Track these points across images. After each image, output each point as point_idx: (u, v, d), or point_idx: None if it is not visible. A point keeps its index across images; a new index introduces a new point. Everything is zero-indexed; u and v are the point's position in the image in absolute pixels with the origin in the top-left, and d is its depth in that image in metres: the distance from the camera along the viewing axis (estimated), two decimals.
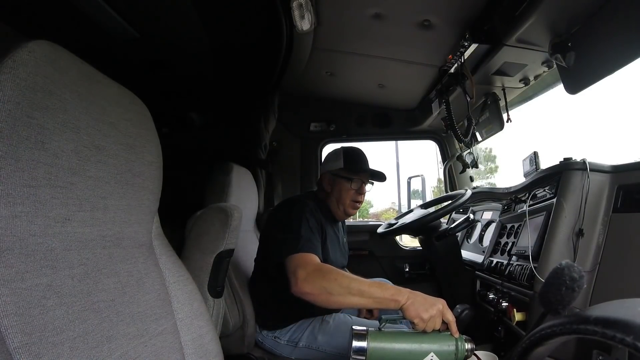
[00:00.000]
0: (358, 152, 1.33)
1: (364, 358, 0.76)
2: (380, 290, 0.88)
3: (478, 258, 1.51)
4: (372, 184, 1.36)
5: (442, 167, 2.18)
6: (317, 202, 1.30)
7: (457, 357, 0.78)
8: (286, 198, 1.35)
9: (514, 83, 1.41)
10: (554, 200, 1.03)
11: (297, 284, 0.91)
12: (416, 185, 2.25)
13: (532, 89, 1.48)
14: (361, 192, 1.31)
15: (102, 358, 0.42)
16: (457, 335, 0.80)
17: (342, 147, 1.34)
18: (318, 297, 0.91)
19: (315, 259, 0.99)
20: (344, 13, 1.18)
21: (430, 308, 0.81)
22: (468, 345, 0.79)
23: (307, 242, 1.03)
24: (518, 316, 1.03)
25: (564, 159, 1.06)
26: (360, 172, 1.29)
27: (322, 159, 2.17)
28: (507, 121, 1.48)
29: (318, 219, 1.17)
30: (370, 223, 2.20)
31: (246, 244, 1.42)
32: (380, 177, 1.34)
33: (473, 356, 0.81)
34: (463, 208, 1.82)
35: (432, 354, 0.78)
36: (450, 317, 0.81)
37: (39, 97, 0.38)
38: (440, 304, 0.82)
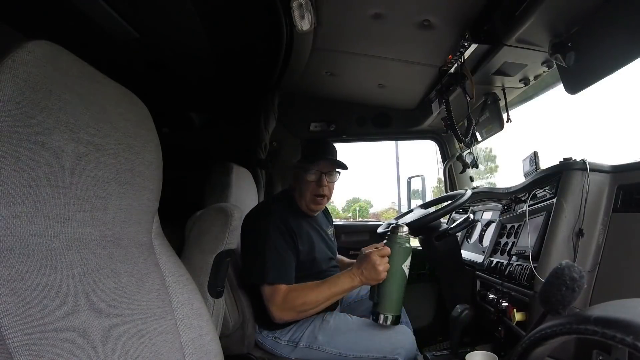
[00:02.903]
0: (317, 140, 1.28)
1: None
2: (340, 287, 1.06)
3: (478, 258, 1.51)
4: (339, 173, 1.27)
5: (442, 167, 2.18)
6: (290, 201, 1.27)
7: (409, 245, 1.07)
8: (258, 205, 1.29)
9: (514, 83, 1.41)
10: (554, 200, 1.03)
11: (275, 316, 1.07)
12: (416, 185, 2.25)
13: (532, 89, 1.48)
14: (321, 184, 1.21)
15: (102, 358, 0.42)
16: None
17: (305, 141, 1.33)
18: (297, 317, 1.09)
19: (282, 289, 1.08)
20: (344, 13, 1.18)
21: (374, 268, 1.02)
22: (403, 230, 1.07)
23: (273, 269, 1.09)
24: (518, 316, 1.03)
25: (564, 159, 1.06)
26: (318, 161, 1.21)
27: None
28: (507, 121, 1.48)
29: (287, 225, 1.16)
30: (370, 223, 2.20)
31: None
32: (340, 165, 1.25)
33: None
34: (463, 208, 1.82)
35: (404, 268, 1.06)
36: (384, 252, 1.03)
37: (39, 97, 0.38)
38: (372, 257, 1.02)
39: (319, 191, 1.23)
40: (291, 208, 1.26)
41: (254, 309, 1.20)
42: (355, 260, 1.38)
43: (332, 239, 1.42)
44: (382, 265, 1.02)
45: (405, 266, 1.06)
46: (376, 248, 1.06)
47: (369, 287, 1.11)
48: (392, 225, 1.11)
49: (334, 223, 1.54)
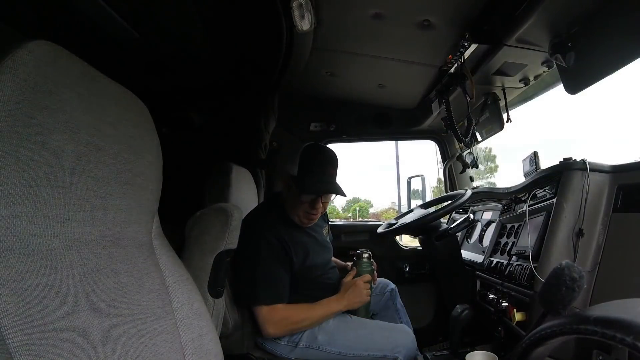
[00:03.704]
0: (318, 161, 1.17)
1: None
2: (330, 310, 1.16)
3: (478, 258, 1.51)
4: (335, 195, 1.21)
5: (442, 167, 2.18)
6: (281, 209, 1.22)
7: (372, 267, 1.28)
8: (248, 217, 1.21)
9: (514, 83, 1.41)
10: (554, 200, 1.03)
11: (270, 333, 1.11)
12: (416, 185, 2.25)
13: (532, 89, 1.48)
14: (315, 206, 1.16)
15: (102, 358, 0.42)
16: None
17: (304, 148, 1.19)
18: (288, 334, 1.15)
19: (279, 308, 1.11)
20: (344, 13, 1.18)
21: (361, 295, 1.19)
22: (365, 255, 1.27)
23: (267, 290, 1.10)
24: (518, 316, 1.03)
25: (564, 159, 1.07)
26: (302, 190, 1.14)
27: None
28: (507, 121, 1.48)
29: (279, 238, 1.13)
30: (370, 223, 2.20)
31: None
32: (339, 192, 1.18)
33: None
34: (463, 208, 1.82)
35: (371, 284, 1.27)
36: (366, 279, 1.22)
37: (39, 97, 0.38)
38: (359, 285, 1.19)
39: (312, 212, 1.17)
40: (283, 217, 1.21)
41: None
42: (348, 264, 1.41)
43: (328, 238, 1.40)
44: (366, 290, 1.21)
45: (373, 269, 1.32)
46: (352, 276, 1.24)
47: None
48: (357, 252, 1.30)
49: (333, 223, 1.52)
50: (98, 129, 0.45)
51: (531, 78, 1.36)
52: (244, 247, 1.10)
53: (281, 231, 1.16)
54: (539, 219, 1.09)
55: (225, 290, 1.01)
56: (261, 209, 1.30)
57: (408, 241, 2.17)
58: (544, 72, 1.31)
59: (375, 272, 1.31)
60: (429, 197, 2.03)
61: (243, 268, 1.13)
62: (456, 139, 1.62)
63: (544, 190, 1.14)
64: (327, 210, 1.39)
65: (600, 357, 0.69)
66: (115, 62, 1.49)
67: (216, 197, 1.28)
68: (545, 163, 1.27)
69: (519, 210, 1.31)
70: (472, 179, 2.07)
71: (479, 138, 1.64)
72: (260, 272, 1.10)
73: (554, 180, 1.08)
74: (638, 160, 0.96)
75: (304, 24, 1.15)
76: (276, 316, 1.10)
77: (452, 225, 1.49)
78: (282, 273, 1.14)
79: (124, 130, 0.50)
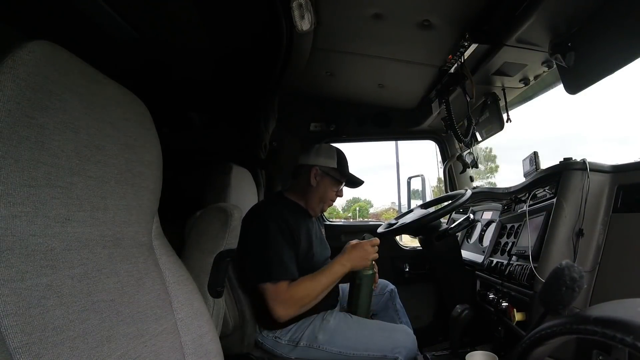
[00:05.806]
0: (345, 156, 1.41)
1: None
2: (334, 275, 1.16)
3: (478, 258, 1.51)
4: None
5: (442, 167, 2.18)
6: (286, 202, 1.33)
7: (374, 270, 1.27)
8: (253, 208, 1.30)
9: (514, 83, 1.41)
10: (554, 200, 1.03)
11: (280, 314, 1.09)
12: (416, 185, 2.25)
13: (532, 89, 1.48)
14: (341, 194, 1.39)
15: (102, 358, 0.42)
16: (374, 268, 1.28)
17: (334, 147, 1.39)
18: (299, 312, 1.11)
19: (285, 285, 1.10)
20: (344, 13, 1.18)
21: (365, 252, 1.19)
22: (368, 272, 1.25)
23: (275, 267, 1.10)
24: (518, 316, 1.03)
25: (564, 159, 1.07)
26: (346, 177, 1.37)
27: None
28: (507, 121, 1.48)
29: (286, 223, 1.18)
30: (370, 223, 2.20)
31: None
32: (359, 184, 1.42)
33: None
34: (463, 208, 1.82)
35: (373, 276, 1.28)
36: (375, 242, 1.22)
37: (39, 97, 0.38)
38: (364, 245, 1.20)
39: (334, 198, 1.37)
40: (288, 208, 1.29)
41: (254, 309, 1.20)
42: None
43: (324, 238, 1.46)
44: (372, 254, 1.20)
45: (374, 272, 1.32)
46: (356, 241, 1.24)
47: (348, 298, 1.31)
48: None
49: (333, 223, 1.55)
50: (98, 129, 0.45)
51: (531, 78, 1.37)
52: (253, 233, 1.14)
53: (289, 218, 1.21)
54: (539, 219, 1.09)
55: (225, 290, 1.01)
56: (266, 201, 1.40)
57: (408, 241, 2.17)
58: (544, 72, 1.31)
59: (376, 274, 1.31)
60: (429, 197, 2.03)
61: (252, 252, 1.14)
62: (456, 139, 1.62)
63: (544, 190, 1.14)
64: (327, 210, 1.47)
65: (600, 357, 0.69)
66: (115, 62, 1.49)
67: (216, 197, 1.28)
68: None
69: (519, 210, 1.31)
70: (472, 179, 2.07)
71: (479, 138, 1.64)
72: (270, 251, 1.12)
73: (554, 180, 1.08)
74: (638, 160, 0.96)
75: (304, 24, 1.15)
76: (283, 294, 1.10)
77: (452, 225, 1.49)
78: (291, 252, 1.16)
79: (124, 130, 0.50)
